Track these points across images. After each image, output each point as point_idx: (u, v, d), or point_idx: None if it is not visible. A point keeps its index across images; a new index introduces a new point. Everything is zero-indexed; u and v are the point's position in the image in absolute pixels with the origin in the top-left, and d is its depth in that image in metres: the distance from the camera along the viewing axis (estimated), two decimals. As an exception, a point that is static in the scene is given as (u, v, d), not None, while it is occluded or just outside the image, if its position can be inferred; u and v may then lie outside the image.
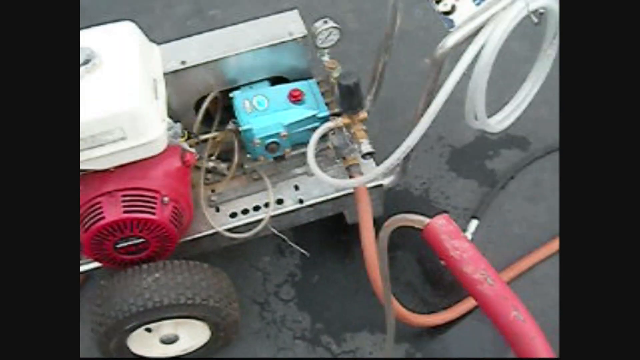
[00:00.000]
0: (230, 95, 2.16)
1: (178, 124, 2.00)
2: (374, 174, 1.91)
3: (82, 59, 1.76)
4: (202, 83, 2.16)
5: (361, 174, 2.09)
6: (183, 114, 2.17)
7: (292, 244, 2.18)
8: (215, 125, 2.23)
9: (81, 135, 1.72)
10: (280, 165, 2.21)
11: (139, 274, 1.94)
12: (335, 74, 2.11)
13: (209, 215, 2.13)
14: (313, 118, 2.10)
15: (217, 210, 2.18)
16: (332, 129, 2.05)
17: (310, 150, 2.00)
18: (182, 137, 2.00)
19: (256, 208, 2.16)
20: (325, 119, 2.11)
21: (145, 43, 1.93)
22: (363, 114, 2.04)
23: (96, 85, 1.74)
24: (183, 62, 2.11)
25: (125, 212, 1.85)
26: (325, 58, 2.18)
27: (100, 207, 1.86)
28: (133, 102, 1.72)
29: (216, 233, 2.11)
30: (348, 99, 1.99)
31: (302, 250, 2.21)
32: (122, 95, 1.73)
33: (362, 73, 2.41)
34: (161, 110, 1.83)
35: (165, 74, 2.01)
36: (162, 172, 1.91)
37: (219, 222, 2.13)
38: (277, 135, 2.07)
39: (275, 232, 2.15)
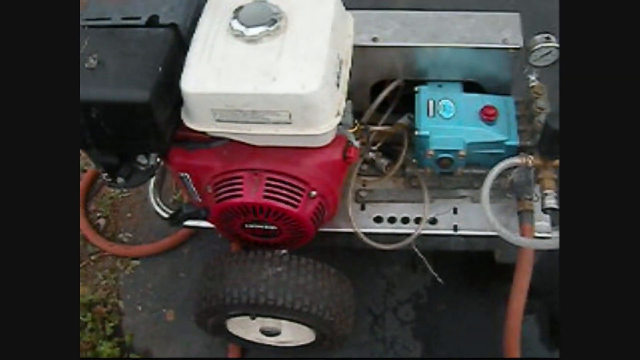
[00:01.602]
0: (415, 89, 1.81)
1: (349, 107, 1.68)
2: (554, 243, 1.55)
3: (266, 17, 1.45)
4: (388, 66, 1.80)
5: (532, 225, 1.72)
6: (356, 92, 1.85)
7: (430, 268, 1.86)
8: (387, 114, 1.90)
9: (241, 107, 1.43)
10: (445, 180, 1.84)
11: (260, 262, 1.66)
12: (541, 103, 1.71)
13: (352, 211, 1.81)
14: (500, 144, 1.73)
15: (363, 208, 1.86)
16: (519, 165, 1.68)
17: (487, 184, 1.63)
18: (352, 127, 1.68)
19: (405, 220, 1.83)
20: (513, 149, 1.73)
21: (341, 11, 1.58)
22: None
23: (273, 54, 1.42)
24: (374, 39, 1.76)
25: (265, 196, 1.57)
26: (533, 78, 1.78)
27: (240, 183, 1.58)
28: (311, 86, 1.39)
29: (353, 233, 1.82)
30: (550, 143, 1.59)
31: (438, 277, 1.89)
32: (301, 75, 1.39)
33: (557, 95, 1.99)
34: (339, 101, 1.50)
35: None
36: (318, 162, 1.59)
37: (361, 223, 1.82)
38: (454, 152, 1.71)
39: (417, 251, 1.83)
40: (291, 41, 1.44)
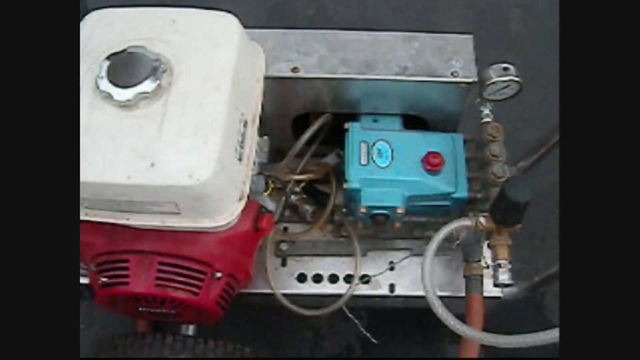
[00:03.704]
0: (345, 125, 1.44)
1: (264, 151, 1.31)
2: (506, 342, 1.23)
3: (143, 72, 1.05)
4: (312, 98, 1.42)
5: (481, 293, 1.40)
6: (275, 126, 1.47)
7: (363, 330, 1.54)
8: (312, 150, 1.52)
9: (113, 197, 1.05)
10: (380, 230, 1.51)
11: (159, 349, 1.32)
12: (496, 149, 1.36)
13: (270, 268, 1.48)
14: (446, 196, 1.39)
15: (284, 263, 1.52)
16: (468, 229, 1.35)
17: (429, 255, 1.30)
18: (266, 190, 1.31)
19: (333, 279, 1.50)
20: (461, 202, 1.40)
21: (245, 51, 1.18)
22: (516, 226, 1.33)
23: (152, 125, 1.03)
24: (295, 70, 1.37)
25: (157, 285, 1.21)
26: (486, 111, 1.43)
27: (126, 268, 1.21)
28: (201, 174, 1.00)
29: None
30: (507, 213, 1.26)
31: (371, 338, 1.57)
32: (188, 158, 1.01)
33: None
34: (243, 179, 1.12)
35: (265, 77, 1.30)
36: (221, 238, 1.21)
37: (281, 283, 1.48)
38: (391, 208, 1.37)
39: (348, 313, 1.50)
40: (176, 106, 1.05)
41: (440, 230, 1.32)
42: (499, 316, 1.70)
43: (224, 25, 1.14)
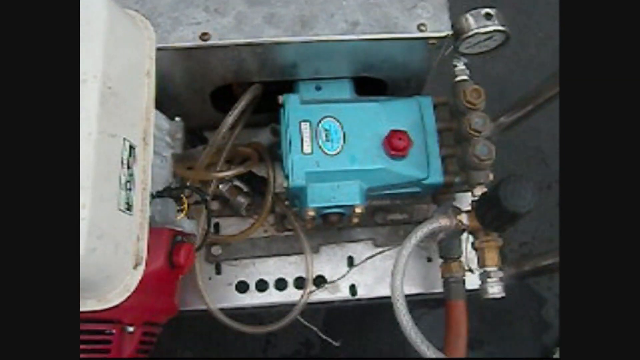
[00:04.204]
0: (280, 99, 1.07)
1: (177, 139, 0.99)
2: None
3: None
4: (233, 69, 1.04)
5: (464, 299, 1.12)
6: (188, 103, 1.11)
7: (321, 334, 1.26)
8: (240, 125, 1.16)
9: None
10: (333, 219, 1.20)
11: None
12: (477, 121, 1.02)
13: (202, 279, 1.16)
14: (416, 182, 1.07)
15: (218, 271, 1.20)
16: (446, 229, 1.05)
17: (400, 267, 1.01)
18: (181, 208, 0.96)
19: (280, 285, 1.20)
20: (435, 188, 1.08)
21: (121, 36, 0.79)
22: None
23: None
24: (204, 36, 0.98)
25: (46, 358, 0.90)
26: (461, 66, 1.08)
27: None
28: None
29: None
30: (500, 221, 0.96)
31: (333, 342, 1.30)
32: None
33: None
34: (136, 235, 0.78)
35: (163, 49, 0.93)
36: (127, 286, 0.91)
37: (217, 296, 1.18)
38: (346, 207, 1.05)
39: (304, 322, 1.21)
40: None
41: (410, 236, 1.02)
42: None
43: (85, 8, 0.75)
